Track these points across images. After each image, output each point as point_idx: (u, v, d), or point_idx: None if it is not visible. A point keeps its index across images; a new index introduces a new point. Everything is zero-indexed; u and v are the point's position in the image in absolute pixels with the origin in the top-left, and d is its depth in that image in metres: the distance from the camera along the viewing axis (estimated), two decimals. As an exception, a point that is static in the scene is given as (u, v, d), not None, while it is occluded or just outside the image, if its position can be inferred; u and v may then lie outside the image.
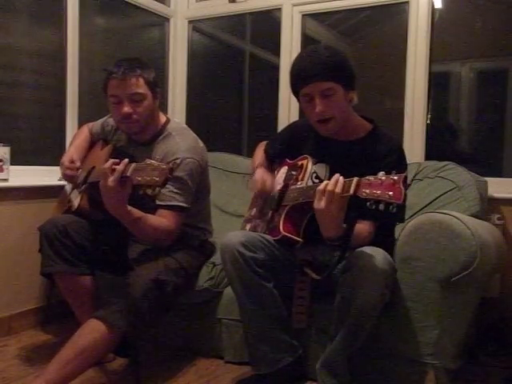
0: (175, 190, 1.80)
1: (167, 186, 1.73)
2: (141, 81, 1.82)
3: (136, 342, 1.76)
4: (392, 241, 1.76)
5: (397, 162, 1.67)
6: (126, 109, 1.81)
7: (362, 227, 1.61)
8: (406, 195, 1.28)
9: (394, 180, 1.28)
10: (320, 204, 1.47)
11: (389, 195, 1.27)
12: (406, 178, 1.29)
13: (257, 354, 1.75)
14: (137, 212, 1.69)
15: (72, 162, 1.98)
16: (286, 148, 1.93)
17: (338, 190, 1.43)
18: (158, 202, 1.79)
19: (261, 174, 1.87)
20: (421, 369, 1.68)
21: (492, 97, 2.63)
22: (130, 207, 1.65)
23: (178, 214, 1.81)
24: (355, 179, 1.38)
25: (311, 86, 1.63)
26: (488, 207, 2.20)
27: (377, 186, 1.30)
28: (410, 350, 1.69)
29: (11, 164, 2.24)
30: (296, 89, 1.71)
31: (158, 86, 1.93)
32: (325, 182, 1.47)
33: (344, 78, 1.65)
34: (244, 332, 1.80)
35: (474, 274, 1.55)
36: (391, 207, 1.28)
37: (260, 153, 2.06)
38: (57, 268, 1.82)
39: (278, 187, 1.84)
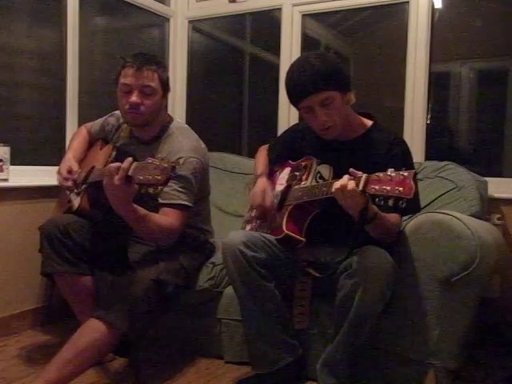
0: (179, 189, 1.79)
1: (171, 184, 1.72)
2: (155, 76, 1.83)
3: (136, 342, 1.76)
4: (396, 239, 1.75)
5: (402, 155, 1.68)
6: (135, 98, 1.80)
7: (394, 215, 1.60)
8: (417, 186, 1.29)
9: (404, 176, 1.28)
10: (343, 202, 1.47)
11: (399, 191, 1.28)
12: (415, 173, 1.29)
13: (257, 353, 1.75)
14: (142, 210, 1.67)
15: (70, 171, 1.93)
16: (289, 150, 1.93)
17: (351, 186, 1.41)
18: (161, 201, 1.77)
19: (262, 186, 1.85)
20: (421, 369, 1.68)
21: (492, 97, 2.63)
22: (135, 205, 1.64)
23: (182, 213, 1.80)
24: (364, 175, 1.38)
25: (309, 98, 1.62)
26: (488, 207, 2.19)
27: (386, 182, 1.31)
28: (410, 350, 1.69)
29: (11, 164, 2.24)
30: (294, 103, 1.70)
31: (169, 86, 1.93)
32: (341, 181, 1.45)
33: (339, 83, 1.64)
34: (244, 331, 1.80)
35: (474, 274, 1.55)
36: (401, 203, 1.28)
37: (262, 158, 2.03)
38: (57, 268, 1.82)
39: (281, 187, 1.84)
